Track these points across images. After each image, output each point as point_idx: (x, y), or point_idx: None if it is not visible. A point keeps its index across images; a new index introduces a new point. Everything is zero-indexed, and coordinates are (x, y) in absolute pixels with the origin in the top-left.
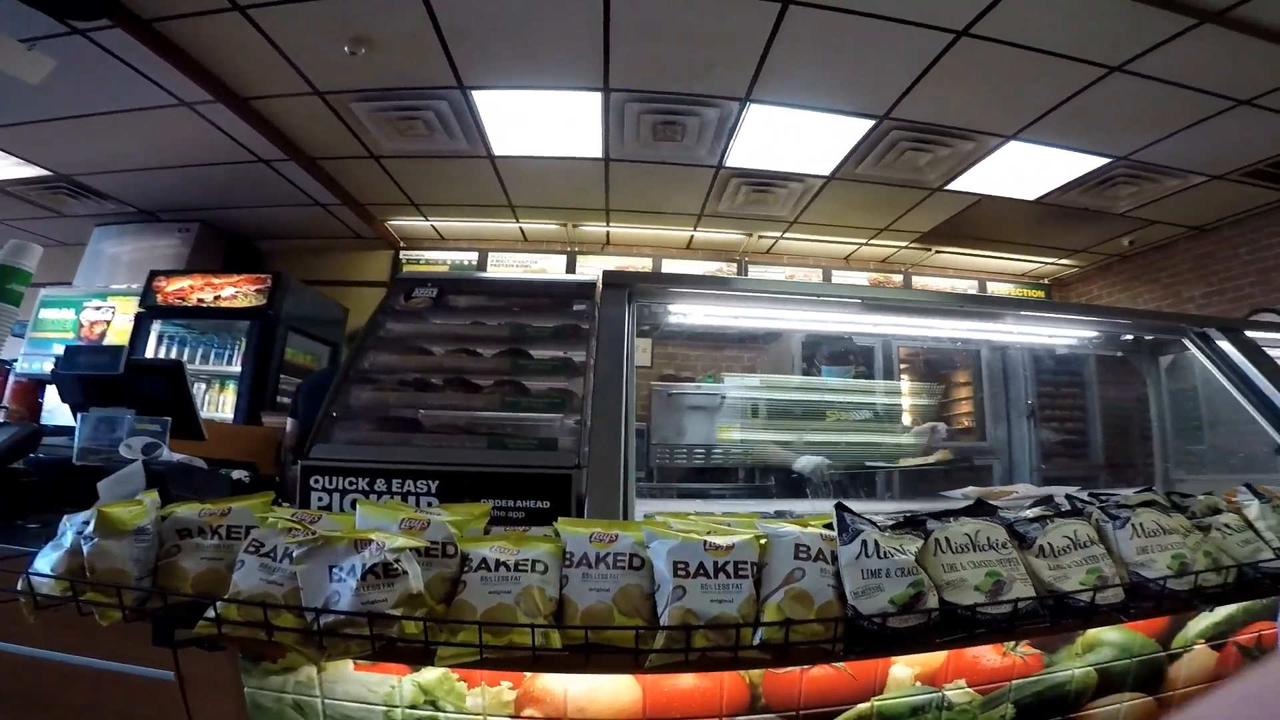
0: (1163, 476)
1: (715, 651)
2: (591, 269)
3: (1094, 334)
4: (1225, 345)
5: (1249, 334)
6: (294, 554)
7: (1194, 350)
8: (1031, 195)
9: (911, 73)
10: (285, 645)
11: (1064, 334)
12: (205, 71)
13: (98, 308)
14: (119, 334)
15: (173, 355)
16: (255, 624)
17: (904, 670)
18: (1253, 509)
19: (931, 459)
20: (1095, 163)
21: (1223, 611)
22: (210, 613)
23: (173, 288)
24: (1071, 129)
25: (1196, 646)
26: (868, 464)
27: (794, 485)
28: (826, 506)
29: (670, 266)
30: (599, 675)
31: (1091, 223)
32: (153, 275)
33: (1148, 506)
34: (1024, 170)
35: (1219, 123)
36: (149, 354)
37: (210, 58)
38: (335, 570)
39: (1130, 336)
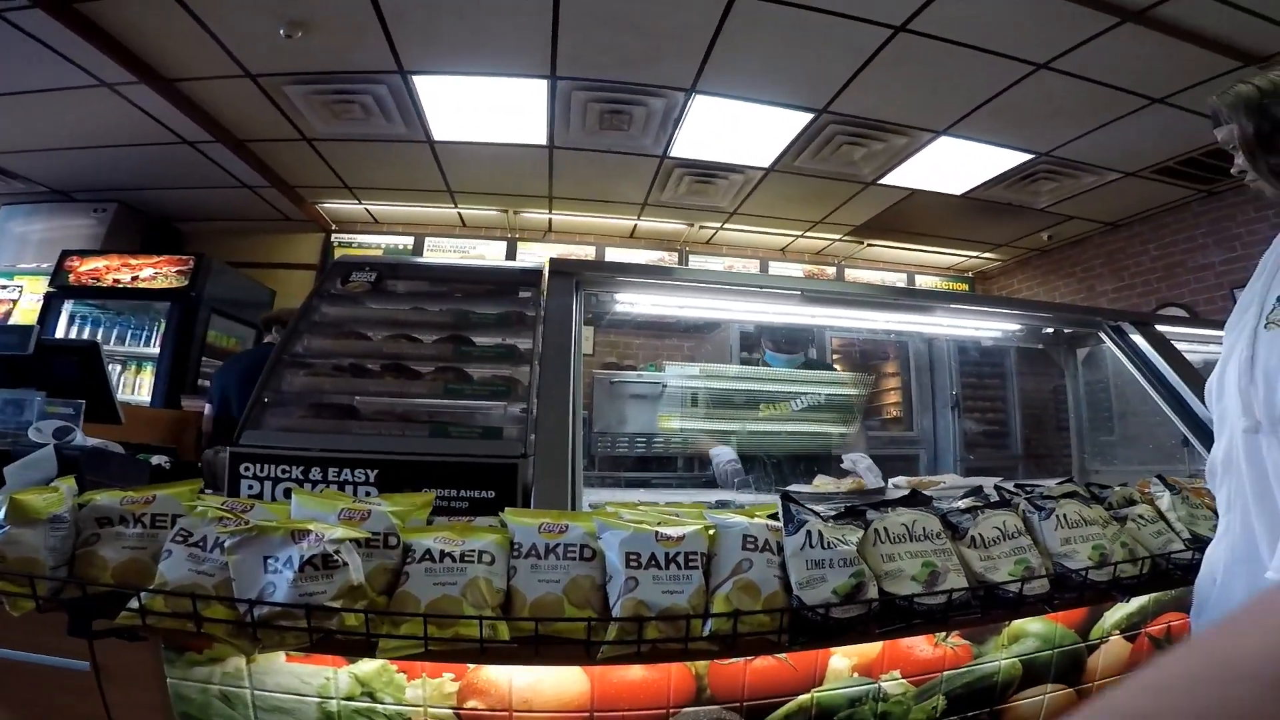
0: (1079, 467)
1: (666, 643)
2: (533, 256)
3: (1017, 327)
4: (1137, 339)
5: (1159, 328)
6: (226, 544)
7: (1109, 343)
8: (959, 190)
9: (850, 67)
10: (215, 637)
11: (990, 326)
12: (129, 53)
13: (3, 287)
14: (26, 314)
15: (85, 336)
16: (183, 615)
17: (842, 661)
18: (1164, 500)
19: (845, 486)
20: (1019, 158)
21: (1136, 602)
22: (134, 603)
23: (86, 268)
24: (998, 125)
25: (1113, 637)
26: (772, 487)
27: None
28: (769, 497)
29: (613, 255)
30: (548, 667)
31: (1014, 217)
32: (65, 255)
33: (1070, 498)
34: (953, 165)
35: (1134, 120)
36: (59, 334)
37: (136, 39)
38: (270, 561)
39: (1050, 330)
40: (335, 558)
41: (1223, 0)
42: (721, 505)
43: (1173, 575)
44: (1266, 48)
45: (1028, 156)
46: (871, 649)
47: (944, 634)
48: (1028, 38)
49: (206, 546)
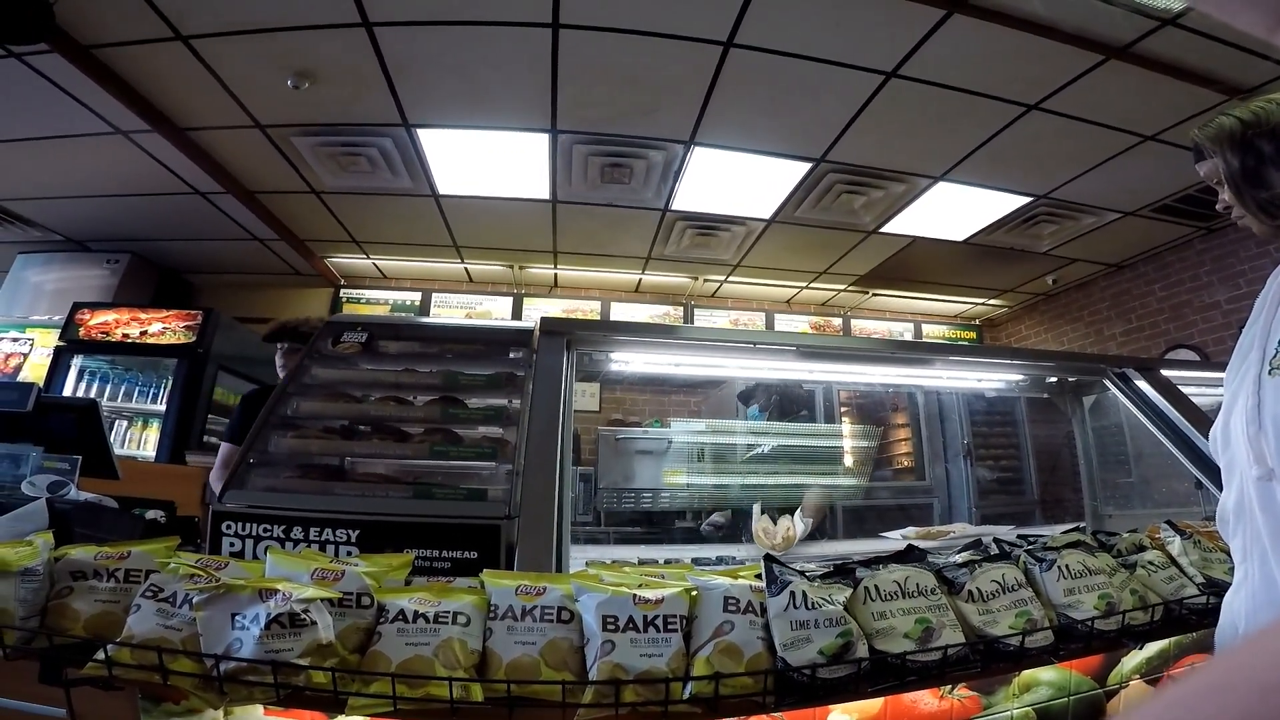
0: (1092, 513)
1: (645, 706)
2: (539, 311)
3: (1019, 377)
4: (1143, 385)
5: (1164, 373)
6: (194, 600)
7: (1114, 390)
8: (960, 236)
9: (845, 115)
10: (182, 689)
11: (989, 378)
12: (143, 100)
13: (15, 339)
14: (35, 369)
15: (93, 391)
16: (150, 668)
17: (842, 718)
18: (1175, 545)
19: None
20: (1018, 202)
21: (1154, 647)
22: (100, 654)
23: (96, 321)
24: (995, 168)
25: (1133, 682)
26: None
27: (739, 528)
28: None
29: (619, 309)
30: None
31: (1017, 262)
32: (76, 307)
33: (1073, 548)
34: (953, 211)
35: (1128, 159)
36: (68, 390)
37: (149, 87)
38: (238, 618)
39: (1054, 379)
40: (303, 616)
41: (1203, 34)
42: (720, 561)
43: (1188, 620)
44: (1250, 80)
45: (1026, 199)
46: (872, 705)
47: (949, 687)
48: (1016, 79)
49: (176, 602)
